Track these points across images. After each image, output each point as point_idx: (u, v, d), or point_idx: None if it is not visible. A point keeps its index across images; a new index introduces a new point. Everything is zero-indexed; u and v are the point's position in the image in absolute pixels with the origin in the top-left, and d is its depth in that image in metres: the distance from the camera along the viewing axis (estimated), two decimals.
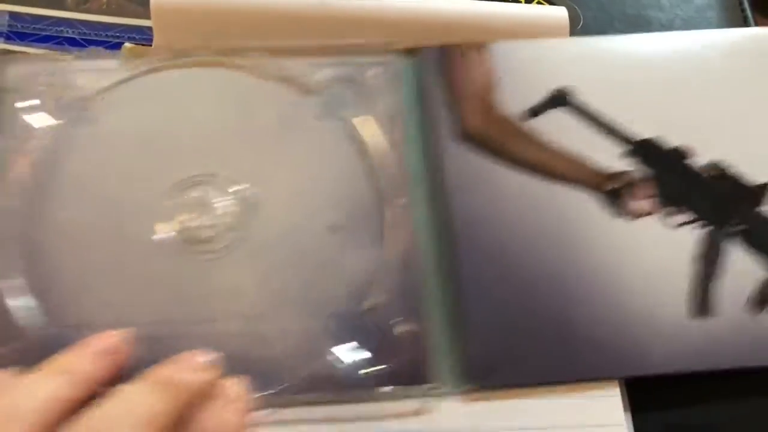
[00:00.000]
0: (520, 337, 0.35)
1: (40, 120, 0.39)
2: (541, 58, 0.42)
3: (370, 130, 0.40)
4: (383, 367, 0.34)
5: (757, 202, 0.38)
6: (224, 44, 0.42)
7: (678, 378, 0.35)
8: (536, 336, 0.35)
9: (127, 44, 0.43)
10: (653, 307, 0.36)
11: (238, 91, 0.41)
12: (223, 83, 0.41)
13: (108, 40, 0.45)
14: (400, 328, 0.35)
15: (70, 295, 0.35)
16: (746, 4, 0.49)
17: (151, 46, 0.42)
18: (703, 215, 0.38)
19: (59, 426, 0.25)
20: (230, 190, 0.38)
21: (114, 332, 0.30)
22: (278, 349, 0.34)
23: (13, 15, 0.45)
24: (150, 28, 0.42)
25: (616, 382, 0.35)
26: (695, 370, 0.35)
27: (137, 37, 0.45)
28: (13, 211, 0.36)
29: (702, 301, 0.36)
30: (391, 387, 0.34)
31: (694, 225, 0.38)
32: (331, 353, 0.34)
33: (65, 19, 0.46)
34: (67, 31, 0.45)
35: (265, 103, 0.41)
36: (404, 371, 0.34)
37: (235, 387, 0.28)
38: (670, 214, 0.38)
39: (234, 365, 0.29)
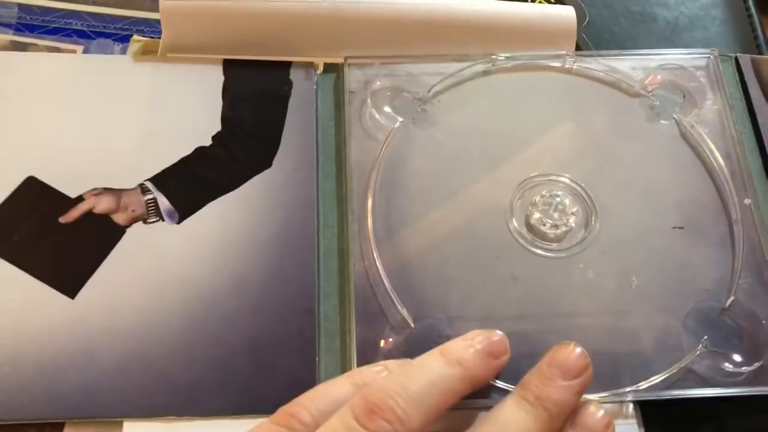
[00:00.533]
0: None
1: (385, 121, 0.40)
2: None
3: (701, 131, 0.41)
4: (755, 365, 0.34)
5: None
6: (231, 44, 0.41)
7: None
8: None
9: (135, 36, 0.42)
10: None
11: (568, 94, 0.43)
12: (553, 86, 0.43)
13: (116, 33, 0.44)
14: (759, 327, 0.35)
15: (431, 288, 0.36)
16: (751, 2, 0.49)
17: (159, 39, 0.41)
18: None
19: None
20: (573, 190, 0.39)
21: (500, 334, 0.32)
22: (642, 346, 0.35)
23: (22, 7, 0.44)
24: (159, 21, 0.41)
25: None
26: None
27: (146, 29, 0.44)
28: (372, 210, 0.38)
29: None
30: (760, 386, 0.34)
31: None
32: (697, 350, 0.35)
33: (74, 11, 0.44)
34: (76, 23, 0.44)
35: (596, 105, 0.42)
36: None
37: (605, 419, 0.30)
38: None
39: (598, 360, 0.31)
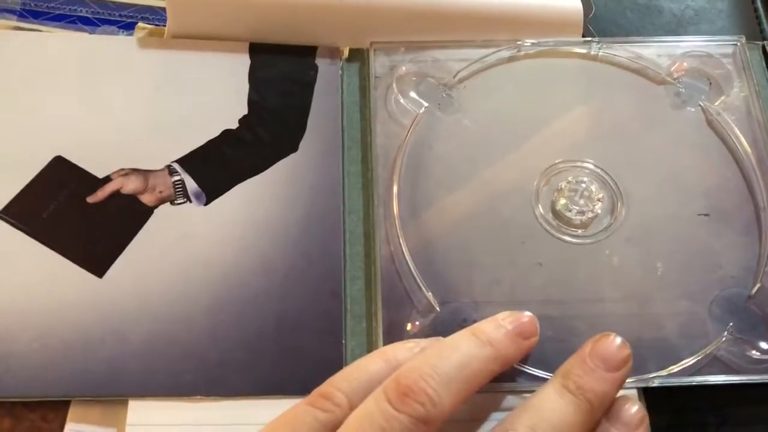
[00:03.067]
0: None
1: (410, 106, 0.40)
2: None
3: (727, 119, 0.41)
4: None
5: None
6: (235, 31, 0.41)
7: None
8: None
9: (140, 24, 0.42)
10: None
11: (593, 81, 0.42)
12: (578, 72, 0.43)
13: (121, 20, 0.44)
14: None
15: (457, 272, 0.36)
16: None
17: (164, 26, 0.41)
18: None
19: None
20: (599, 177, 0.39)
21: (529, 315, 0.32)
22: (667, 332, 0.35)
23: None
24: (164, 8, 0.41)
25: None
26: None
27: (150, 17, 0.44)
28: (397, 194, 0.38)
29: None
30: None
31: None
32: (723, 337, 0.35)
33: None
34: (81, 10, 0.44)
35: (621, 92, 0.42)
36: None
37: (640, 413, 0.29)
38: None
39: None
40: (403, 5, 0.42)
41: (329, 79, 0.41)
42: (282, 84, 0.41)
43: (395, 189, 0.38)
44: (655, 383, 0.33)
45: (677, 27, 0.48)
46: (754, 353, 0.34)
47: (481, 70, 0.42)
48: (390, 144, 0.39)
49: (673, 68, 0.42)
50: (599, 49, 0.43)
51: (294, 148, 0.39)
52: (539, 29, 0.44)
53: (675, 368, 0.34)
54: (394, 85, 0.40)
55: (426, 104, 0.40)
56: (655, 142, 0.40)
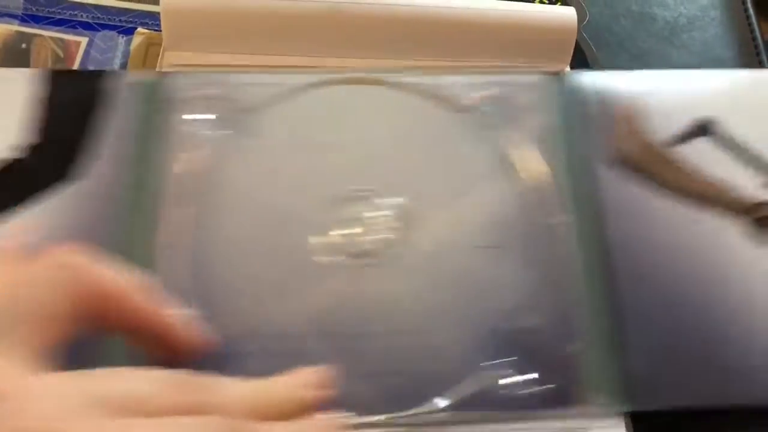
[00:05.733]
0: (680, 360, 0.36)
1: (205, 131, 0.40)
2: (684, 88, 0.44)
3: (524, 150, 0.41)
4: (542, 387, 0.34)
5: None
6: (233, 47, 0.43)
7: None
8: (695, 359, 0.36)
9: (139, 29, 0.44)
10: None
11: (395, 108, 0.43)
12: (382, 100, 0.43)
13: (121, 25, 0.46)
14: (558, 350, 0.35)
15: (231, 305, 0.36)
16: (749, 4, 0.50)
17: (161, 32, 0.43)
18: None
19: None
20: (386, 205, 0.39)
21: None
22: (435, 365, 0.35)
23: None
24: None
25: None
26: None
27: (150, 22, 0.46)
28: (181, 221, 0.37)
29: None
30: (550, 408, 0.34)
31: None
32: (489, 372, 0.35)
33: (79, 3, 0.46)
34: (81, 15, 0.46)
35: (421, 120, 0.42)
36: (562, 392, 0.34)
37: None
38: None
39: (399, 378, 0.32)
40: (384, 20, 0.44)
41: (123, 102, 0.40)
42: (70, 108, 0.40)
43: (183, 215, 0.37)
44: (425, 419, 0.33)
45: (670, 34, 0.50)
46: (525, 386, 0.34)
47: (285, 95, 0.42)
48: (185, 169, 0.38)
49: (475, 96, 0.42)
50: (404, 77, 0.43)
51: (79, 174, 0.38)
52: (532, 39, 0.45)
53: (446, 401, 0.34)
54: (192, 108, 0.40)
55: (225, 129, 0.40)
56: (450, 171, 0.40)
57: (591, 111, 0.42)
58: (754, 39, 0.49)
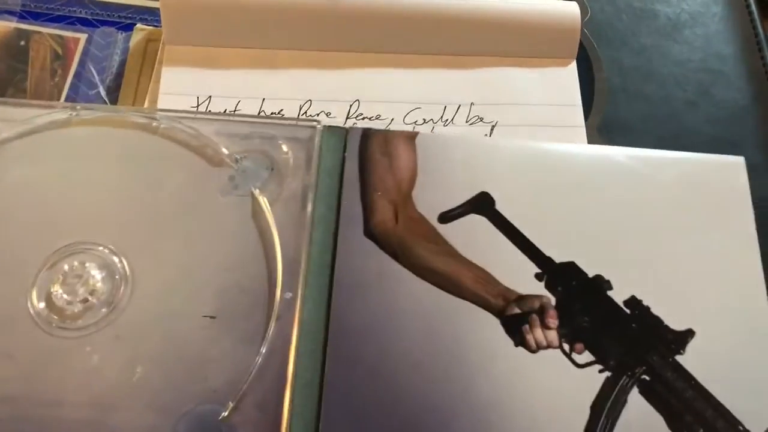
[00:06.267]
0: None
1: None
2: (469, 158, 0.40)
3: (276, 210, 0.37)
4: None
5: (677, 350, 0.37)
6: (232, 41, 0.43)
7: None
8: None
9: (139, 26, 0.45)
10: None
11: (143, 155, 0.39)
12: (130, 145, 0.39)
13: (120, 21, 0.46)
14: None
15: None
16: (751, 0, 0.49)
17: (161, 27, 0.44)
18: (611, 357, 0.36)
19: None
20: (108, 263, 0.36)
21: None
22: None
23: None
24: None
25: None
26: None
27: (149, 18, 0.46)
28: None
29: None
30: None
31: (600, 367, 0.36)
32: None
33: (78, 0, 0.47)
34: (80, 11, 0.46)
35: (171, 170, 0.38)
36: None
37: None
38: (576, 350, 0.36)
39: None
40: (381, 14, 0.43)
41: None
42: None
43: None
44: None
45: (672, 31, 0.49)
46: None
47: (27, 133, 0.38)
48: None
49: (235, 149, 0.38)
50: (161, 121, 0.39)
51: None
52: (536, 35, 0.45)
53: None
54: None
55: None
56: (190, 229, 0.37)
57: (357, 173, 0.38)
58: (756, 35, 0.47)
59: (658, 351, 0.36)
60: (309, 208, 0.37)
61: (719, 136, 0.45)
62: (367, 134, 0.40)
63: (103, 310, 0.35)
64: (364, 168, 0.38)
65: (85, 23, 0.46)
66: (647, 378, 0.36)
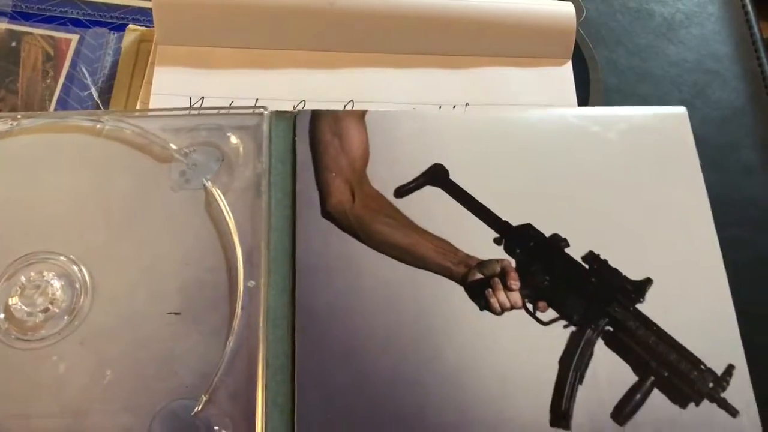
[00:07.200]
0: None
1: None
2: (419, 131, 0.40)
3: (230, 201, 0.37)
4: None
5: (636, 299, 0.38)
6: (225, 42, 0.43)
7: None
8: None
9: (131, 26, 0.44)
10: (513, 414, 0.34)
11: (91, 159, 0.38)
12: (77, 150, 0.38)
13: (112, 22, 0.45)
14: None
15: None
16: (747, 0, 0.50)
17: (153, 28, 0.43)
18: (574, 312, 0.37)
19: None
20: (68, 271, 0.35)
21: None
22: None
23: None
24: None
25: None
26: None
27: (141, 18, 0.45)
28: None
29: (565, 409, 0.35)
30: None
31: (564, 323, 0.37)
32: None
33: (70, 0, 0.45)
34: (72, 12, 0.45)
35: (120, 172, 0.38)
36: None
37: None
38: (539, 309, 0.37)
39: None
40: (378, 14, 0.43)
41: None
42: None
43: None
44: None
45: (667, 31, 0.49)
46: None
47: None
48: None
49: (184, 143, 0.38)
50: (106, 123, 0.39)
51: None
52: (532, 35, 0.45)
53: None
54: None
55: None
56: (146, 229, 0.36)
57: (309, 156, 0.38)
58: (752, 35, 0.48)
59: (619, 302, 0.37)
60: (264, 195, 0.37)
61: (715, 137, 0.45)
62: (316, 116, 0.40)
63: (66, 317, 0.34)
64: (316, 150, 0.38)
65: (77, 24, 0.45)
66: (611, 329, 0.37)
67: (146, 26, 0.45)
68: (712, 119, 0.46)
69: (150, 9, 0.43)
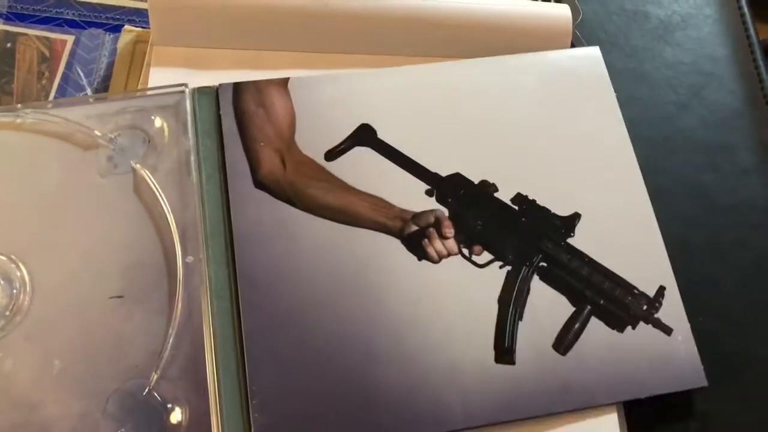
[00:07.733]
0: (315, 404, 0.33)
1: None
2: (343, 94, 0.41)
3: (160, 180, 0.37)
4: None
5: (567, 234, 0.39)
6: (221, 42, 0.42)
7: None
8: (333, 402, 0.34)
9: (127, 27, 0.44)
10: (459, 356, 0.35)
11: (14, 154, 0.38)
12: (2, 145, 0.37)
13: (107, 23, 0.45)
14: (187, 406, 0.33)
15: None
16: (744, 2, 0.50)
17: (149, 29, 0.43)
18: (508, 252, 0.39)
19: None
20: (7, 269, 0.35)
21: None
22: None
23: None
24: None
25: None
26: (501, 421, 0.35)
27: (137, 19, 0.45)
28: None
29: (508, 346, 0.36)
30: None
31: (500, 263, 0.38)
32: None
33: (65, 1, 0.45)
34: (68, 13, 0.44)
35: (47, 164, 0.37)
36: None
37: None
38: (475, 253, 0.38)
39: None
40: (372, 17, 0.42)
41: None
42: None
43: None
44: None
45: (664, 33, 0.49)
46: None
47: None
48: None
49: (107, 129, 0.38)
50: (26, 117, 0.38)
51: None
52: (529, 37, 0.44)
53: None
54: None
55: None
56: (77, 217, 0.36)
57: (235, 129, 0.39)
58: (748, 37, 0.48)
59: (550, 238, 0.39)
60: (194, 171, 0.37)
61: (711, 139, 0.45)
62: (238, 88, 0.40)
63: (7, 313, 0.34)
64: (242, 122, 0.39)
65: (73, 25, 0.44)
66: (545, 264, 0.38)
67: (142, 27, 0.44)
68: (708, 121, 0.46)
69: (146, 10, 0.43)
